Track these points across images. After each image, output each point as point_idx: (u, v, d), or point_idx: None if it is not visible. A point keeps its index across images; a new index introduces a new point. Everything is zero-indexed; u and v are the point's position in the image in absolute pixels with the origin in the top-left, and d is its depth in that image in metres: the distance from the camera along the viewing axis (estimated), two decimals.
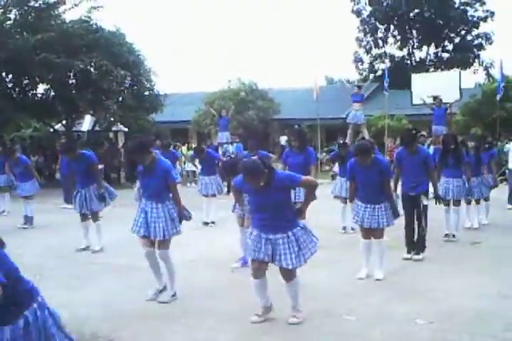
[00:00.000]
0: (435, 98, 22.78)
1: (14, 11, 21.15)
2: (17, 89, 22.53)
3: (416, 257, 8.32)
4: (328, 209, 11.19)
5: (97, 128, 25.91)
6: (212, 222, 11.77)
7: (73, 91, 22.11)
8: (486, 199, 11.44)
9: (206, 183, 11.99)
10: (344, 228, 10.50)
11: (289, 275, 5.50)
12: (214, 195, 12.04)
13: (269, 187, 5.28)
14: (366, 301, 6.27)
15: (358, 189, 7.40)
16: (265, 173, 5.23)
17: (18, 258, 3.23)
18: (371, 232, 7.29)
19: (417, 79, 25.40)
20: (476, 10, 43.31)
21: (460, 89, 24.10)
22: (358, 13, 44.78)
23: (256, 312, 5.66)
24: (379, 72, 44.00)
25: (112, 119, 24.51)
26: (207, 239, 10.09)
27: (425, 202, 8.32)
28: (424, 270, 7.72)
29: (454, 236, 9.80)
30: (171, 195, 6.44)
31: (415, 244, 8.45)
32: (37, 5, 21.24)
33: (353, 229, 10.14)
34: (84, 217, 9.34)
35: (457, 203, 10.00)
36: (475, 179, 10.69)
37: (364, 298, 6.42)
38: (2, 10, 20.96)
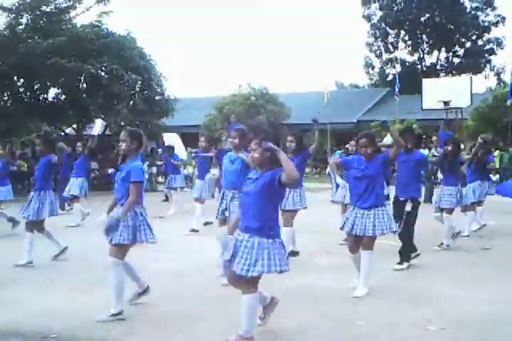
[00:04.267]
0: (446, 103, 22.75)
1: (26, 15, 21.32)
2: (28, 93, 22.69)
3: (396, 266, 8.00)
4: (329, 213, 11.18)
5: (107, 132, 25.99)
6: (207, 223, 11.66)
7: (84, 96, 22.24)
8: (480, 203, 11.30)
9: (199, 186, 11.76)
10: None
11: (242, 286, 5.03)
12: (200, 200, 11.74)
13: (263, 173, 5.02)
14: (376, 307, 6.22)
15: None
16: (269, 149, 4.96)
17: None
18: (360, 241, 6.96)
19: (428, 84, 25.37)
20: (487, 15, 43.36)
21: (471, 94, 24.05)
22: (368, 17, 44.79)
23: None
24: (390, 77, 44.03)
25: (123, 123, 24.59)
26: (208, 244, 9.98)
27: (408, 208, 8.00)
28: (434, 276, 7.66)
29: (442, 243, 9.54)
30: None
31: (409, 254, 8.23)
32: (48, 10, 21.41)
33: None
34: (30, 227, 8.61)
35: (449, 211, 9.65)
36: (476, 183, 10.73)
37: (374, 303, 6.37)
38: (14, 14, 21.11)
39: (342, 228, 7.05)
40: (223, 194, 7.54)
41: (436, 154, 13.02)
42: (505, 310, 6.10)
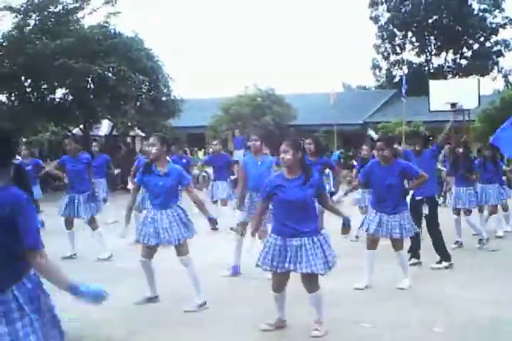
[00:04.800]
0: (453, 105, 22.66)
1: (34, 16, 21.39)
2: (35, 94, 22.75)
3: (434, 265, 8.19)
4: (332, 215, 11.12)
5: (114, 132, 26.04)
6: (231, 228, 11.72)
7: (91, 96, 22.28)
8: (505, 209, 11.35)
9: (216, 188, 11.92)
10: (357, 237, 10.42)
11: (311, 284, 5.33)
12: (224, 200, 11.93)
13: (306, 182, 5.26)
14: (382, 308, 6.23)
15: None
16: (300, 155, 5.36)
17: None
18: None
19: (435, 86, 25.25)
20: (495, 17, 43.16)
21: (479, 96, 23.96)
22: (375, 19, 44.67)
23: (269, 320, 5.60)
24: (397, 79, 43.93)
25: (130, 124, 24.64)
26: (211, 246, 9.97)
27: (427, 210, 8.20)
28: (440, 278, 7.66)
29: (481, 240, 9.72)
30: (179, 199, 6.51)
31: (418, 251, 8.37)
32: (56, 10, 21.47)
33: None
34: (69, 225, 9.22)
35: (468, 213, 9.87)
36: (491, 186, 10.66)
37: (379, 305, 6.38)
38: (22, 15, 21.19)
39: (361, 227, 7.28)
40: (251, 196, 7.66)
41: (444, 168, 13.08)
42: (507, 311, 6.10)
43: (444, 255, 8.26)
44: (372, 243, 7.13)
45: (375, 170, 7.06)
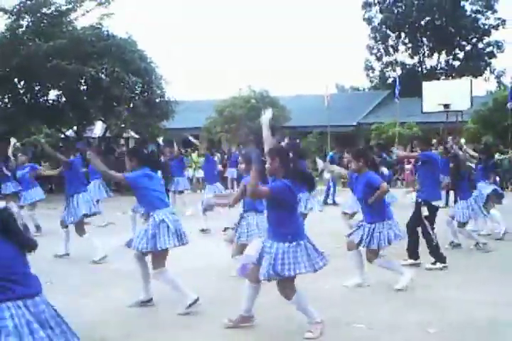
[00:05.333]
0: (446, 106, 22.75)
1: (27, 17, 21.34)
2: (28, 95, 22.70)
3: (428, 266, 8.18)
4: (334, 216, 11.17)
5: (108, 134, 25.97)
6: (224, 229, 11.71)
7: (84, 98, 22.24)
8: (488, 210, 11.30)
9: (209, 193, 12.01)
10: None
11: (281, 290, 5.37)
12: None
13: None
14: (376, 309, 6.22)
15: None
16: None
17: None
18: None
19: (428, 87, 25.34)
20: (488, 18, 43.27)
21: (471, 97, 24.02)
22: (369, 20, 44.74)
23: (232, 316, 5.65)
24: (390, 80, 44.03)
25: (123, 126, 24.60)
26: (206, 247, 9.96)
27: (425, 213, 8.16)
28: (436, 279, 7.65)
29: (477, 244, 9.64)
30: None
31: (415, 252, 8.37)
32: (49, 12, 21.43)
33: None
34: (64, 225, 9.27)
35: (461, 225, 9.64)
36: (485, 185, 10.70)
37: (374, 306, 6.37)
38: (15, 17, 21.14)
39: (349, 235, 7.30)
40: (241, 217, 7.57)
41: None
42: (504, 312, 6.10)
43: (438, 257, 8.24)
44: (349, 245, 7.21)
45: (354, 178, 7.24)
